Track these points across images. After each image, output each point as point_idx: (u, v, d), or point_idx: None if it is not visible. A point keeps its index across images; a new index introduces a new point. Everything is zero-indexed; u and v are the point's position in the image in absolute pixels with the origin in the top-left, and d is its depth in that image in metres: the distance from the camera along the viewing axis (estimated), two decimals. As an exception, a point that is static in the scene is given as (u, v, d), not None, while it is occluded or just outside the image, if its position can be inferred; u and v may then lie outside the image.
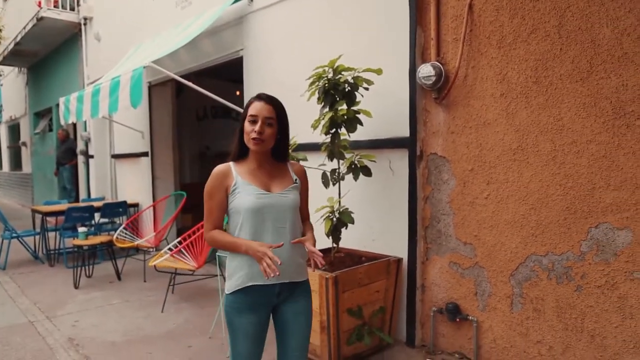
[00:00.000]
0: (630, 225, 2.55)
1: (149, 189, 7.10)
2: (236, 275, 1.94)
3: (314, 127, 3.23)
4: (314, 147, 3.62)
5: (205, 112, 9.60)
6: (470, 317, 3.21)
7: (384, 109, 3.49)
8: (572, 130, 2.72)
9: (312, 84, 3.20)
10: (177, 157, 7.40)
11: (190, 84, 4.77)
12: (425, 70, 3.16)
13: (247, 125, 1.94)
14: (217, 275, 4.06)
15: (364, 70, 3.17)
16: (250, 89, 4.98)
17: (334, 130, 3.25)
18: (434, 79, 3.13)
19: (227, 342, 3.55)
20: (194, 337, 3.83)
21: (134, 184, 7.59)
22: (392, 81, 3.39)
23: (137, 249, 6.47)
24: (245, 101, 4.97)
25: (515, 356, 3.03)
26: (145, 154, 7.13)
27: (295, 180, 2.06)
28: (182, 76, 5.17)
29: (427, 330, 3.45)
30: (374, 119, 3.36)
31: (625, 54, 2.52)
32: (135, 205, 7.30)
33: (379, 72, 3.12)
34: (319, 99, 3.20)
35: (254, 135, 1.91)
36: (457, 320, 3.26)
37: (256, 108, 1.94)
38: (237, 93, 5.25)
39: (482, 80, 3.06)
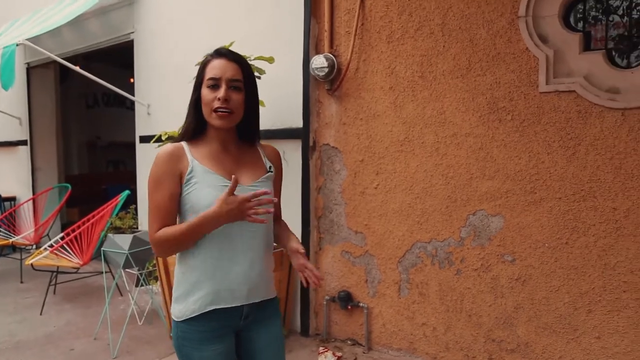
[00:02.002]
0: (502, 212, 2.77)
1: (27, 181, 6.49)
2: (193, 296, 1.47)
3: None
4: (206, 137, 3.52)
5: (96, 100, 9.00)
6: (361, 304, 3.31)
7: (278, 99, 3.47)
8: (453, 124, 2.89)
9: (201, 70, 3.10)
10: (61, 146, 6.84)
11: (74, 67, 4.42)
12: (318, 62, 3.19)
13: (207, 93, 1.44)
14: (104, 272, 3.81)
15: (255, 58, 3.12)
16: (142, 75, 4.73)
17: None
18: (326, 70, 3.17)
19: (113, 341, 3.38)
20: (77, 339, 3.56)
21: (10, 176, 6.90)
22: (286, 71, 3.38)
23: (13, 247, 5.91)
24: (138, 89, 4.81)
25: (403, 339, 3.18)
26: (23, 143, 6.50)
27: (270, 167, 1.59)
28: (66, 59, 4.77)
29: (321, 319, 3.51)
30: (268, 109, 3.32)
31: (498, 54, 2.72)
32: (12, 199, 6.65)
33: (270, 60, 3.10)
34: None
35: (217, 104, 1.42)
36: (349, 307, 3.34)
37: (217, 67, 1.44)
38: (131, 80, 4.96)
39: (372, 73, 3.15)
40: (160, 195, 1.43)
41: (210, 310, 1.47)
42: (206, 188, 1.43)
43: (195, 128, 1.51)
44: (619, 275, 2.48)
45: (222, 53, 1.49)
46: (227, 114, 1.44)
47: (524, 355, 2.75)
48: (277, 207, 1.70)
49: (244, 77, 1.48)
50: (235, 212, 1.35)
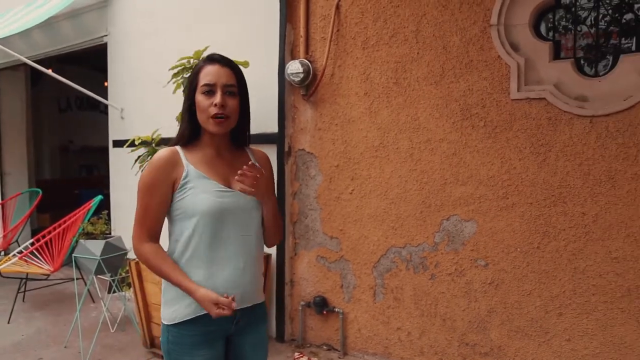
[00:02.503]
0: (475, 217, 2.80)
1: (-4, 186, 6.33)
2: (184, 301, 1.48)
3: (180, 120, 3.10)
4: (180, 141, 3.49)
5: (69, 103, 8.84)
6: (336, 309, 3.30)
7: (253, 104, 3.39)
8: (427, 129, 2.92)
9: (176, 74, 3.07)
10: (32, 150, 6.70)
11: (45, 70, 4.33)
12: (294, 67, 3.19)
13: (202, 99, 1.46)
14: (75, 279, 3.73)
15: (231, 63, 3.11)
16: (115, 79, 4.66)
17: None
18: (302, 75, 3.17)
19: (84, 350, 3.30)
20: (46, 348, 3.48)
21: (-22, 181, 6.72)
22: (262, 76, 3.36)
23: (-19, 254, 5.74)
24: (112, 92, 4.73)
25: (378, 344, 3.18)
26: (-8, 147, 6.35)
27: None
28: (38, 61, 4.68)
29: (296, 325, 3.50)
30: (243, 113, 3.31)
31: (471, 61, 2.76)
32: (-20, 204, 6.47)
33: (245, 64, 3.08)
34: (184, 91, 3.08)
35: (214, 110, 1.44)
36: (325, 312, 3.34)
37: (211, 73, 1.47)
38: (105, 84, 4.88)
39: (347, 79, 3.17)
40: (151, 200, 1.46)
41: (202, 315, 1.47)
42: (201, 194, 1.45)
43: (189, 134, 1.53)
44: (588, 278, 2.53)
45: (215, 59, 1.51)
46: (224, 120, 1.47)
47: (497, 359, 2.78)
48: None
49: (237, 81, 1.50)
50: (209, 309, 1.42)
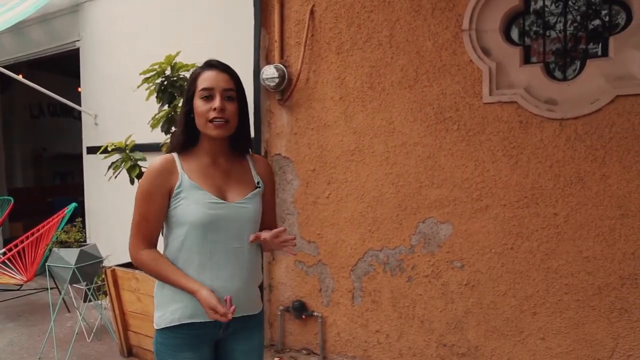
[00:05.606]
0: (451, 219, 2.83)
1: (-34, 195, 6.18)
2: (172, 306, 1.50)
3: (153, 126, 3.07)
4: (154, 148, 3.44)
5: (42, 110, 8.64)
6: (315, 314, 3.30)
7: (229, 109, 3.44)
8: (402, 133, 2.94)
9: (147, 80, 3.04)
10: (3, 158, 6.56)
11: (15, 76, 4.25)
12: (269, 72, 3.19)
13: (200, 104, 1.45)
14: (49, 289, 3.66)
15: (204, 68, 3.09)
16: (88, 84, 4.60)
17: (173, 129, 3.11)
18: (277, 80, 3.17)
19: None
20: (20, 360, 3.41)
21: (-53, 190, 6.55)
22: (237, 81, 3.36)
23: (-50, 265, 5.59)
24: (85, 98, 4.66)
25: (357, 347, 3.19)
26: (-39, 155, 6.20)
27: (258, 183, 1.59)
28: (7, 67, 4.58)
29: (276, 330, 3.49)
30: (219, 119, 3.29)
31: (444, 66, 2.80)
32: (-51, 213, 6.30)
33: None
34: (157, 97, 3.06)
35: (213, 114, 1.44)
36: (303, 317, 3.34)
37: (209, 78, 1.47)
38: (79, 89, 4.81)
39: (322, 83, 3.18)
40: (148, 208, 1.47)
41: (187, 323, 1.49)
42: (193, 204, 1.45)
43: (186, 140, 1.53)
44: (561, 278, 2.58)
45: (213, 64, 1.52)
46: (224, 124, 1.46)
47: (474, 359, 2.82)
48: (272, 221, 1.70)
49: (235, 86, 1.51)
50: (207, 312, 1.42)
